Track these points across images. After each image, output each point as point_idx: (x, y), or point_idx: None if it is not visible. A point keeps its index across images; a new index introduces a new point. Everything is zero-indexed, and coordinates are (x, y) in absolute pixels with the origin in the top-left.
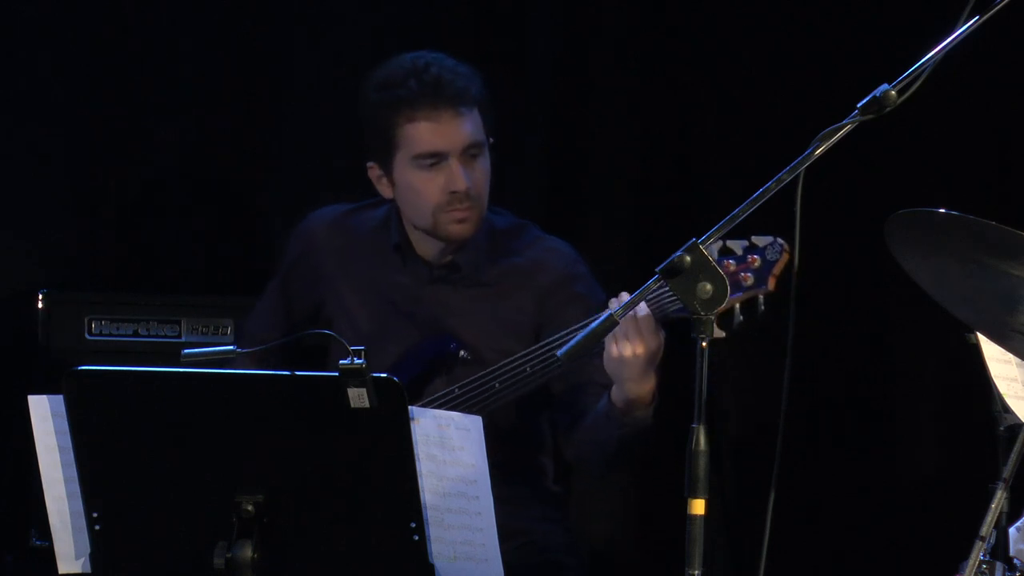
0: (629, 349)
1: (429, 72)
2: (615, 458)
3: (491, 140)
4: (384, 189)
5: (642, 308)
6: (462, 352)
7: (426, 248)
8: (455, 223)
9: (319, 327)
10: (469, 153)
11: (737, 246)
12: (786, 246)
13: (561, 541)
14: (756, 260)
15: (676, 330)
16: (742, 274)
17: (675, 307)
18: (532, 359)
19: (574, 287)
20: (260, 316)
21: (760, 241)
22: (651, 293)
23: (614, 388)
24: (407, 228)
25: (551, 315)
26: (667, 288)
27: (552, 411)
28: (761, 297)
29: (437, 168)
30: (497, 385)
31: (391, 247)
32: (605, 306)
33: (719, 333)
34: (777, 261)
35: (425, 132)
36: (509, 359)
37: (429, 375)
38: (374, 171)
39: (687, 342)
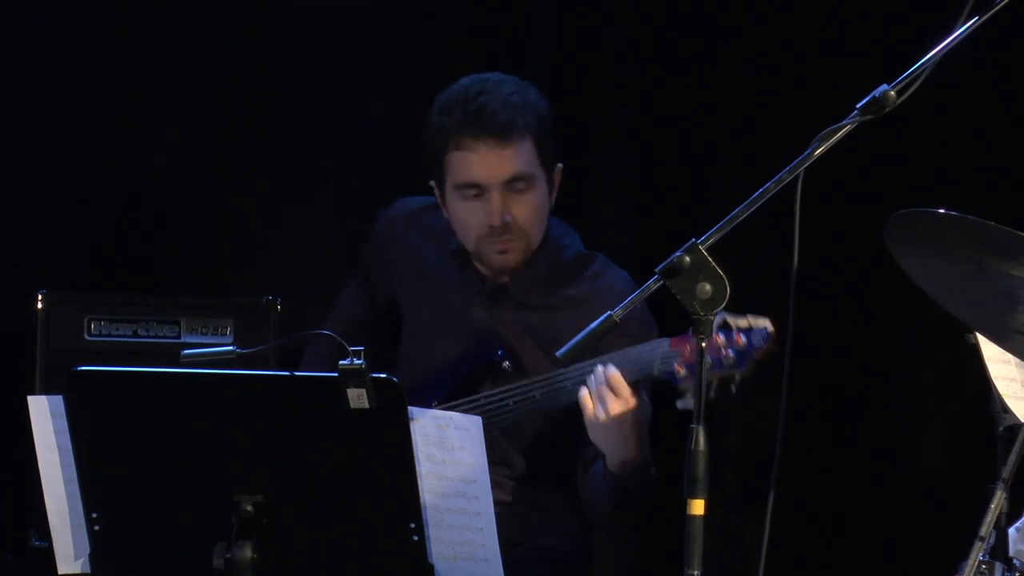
0: (603, 410)
1: (477, 101)
2: (613, 513)
3: (559, 166)
4: (444, 209)
5: (611, 368)
6: (505, 363)
7: (481, 264)
8: (497, 254)
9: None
10: (513, 187)
11: (733, 321)
12: (774, 335)
13: (563, 542)
14: (742, 340)
15: (678, 333)
16: (724, 351)
17: (662, 372)
18: (542, 385)
19: (624, 328)
20: (348, 298)
21: (755, 322)
22: (629, 361)
23: (607, 456)
24: None
25: (597, 350)
26: (646, 353)
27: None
28: (737, 378)
29: (479, 199)
30: (511, 404)
31: (449, 252)
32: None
33: (689, 404)
34: (760, 348)
35: (465, 163)
36: (523, 383)
37: (475, 378)
38: (435, 192)
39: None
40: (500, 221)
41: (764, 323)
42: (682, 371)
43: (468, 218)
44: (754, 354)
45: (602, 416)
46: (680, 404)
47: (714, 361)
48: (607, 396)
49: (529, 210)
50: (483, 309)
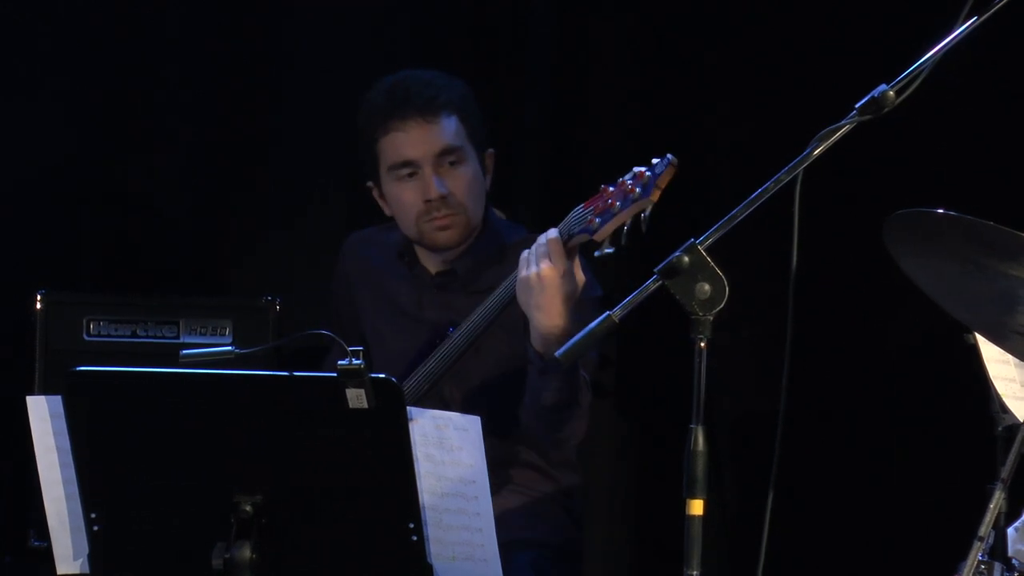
0: (535, 271)
1: (400, 86)
2: (549, 415)
3: (491, 151)
4: (384, 207)
5: (551, 232)
6: (450, 328)
7: (426, 257)
8: (437, 230)
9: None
10: (445, 161)
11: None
12: (675, 161)
13: (547, 533)
14: (645, 174)
15: (677, 333)
16: (631, 189)
17: (579, 229)
18: (476, 314)
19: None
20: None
21: (655, 161)
22: (567, 224)
23: (531, 329)
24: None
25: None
26: (579, 210)
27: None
28: (647, 211)
29: (413, 178)
30: (460, 343)
31: (396, 255)
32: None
33: (608, 249)
34: (662, 174)
35: (395, 143)
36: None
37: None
38: (374, 191)
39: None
40: (436, 193)
41: (664, 158)
42: (595, 222)
43: (404, 197)
44: (658, 181)
45: (533, 278)
46: (596, 253)
47: (623, 202)
48: (542, 258)
49: (464, 183)
50: (434, 304)
